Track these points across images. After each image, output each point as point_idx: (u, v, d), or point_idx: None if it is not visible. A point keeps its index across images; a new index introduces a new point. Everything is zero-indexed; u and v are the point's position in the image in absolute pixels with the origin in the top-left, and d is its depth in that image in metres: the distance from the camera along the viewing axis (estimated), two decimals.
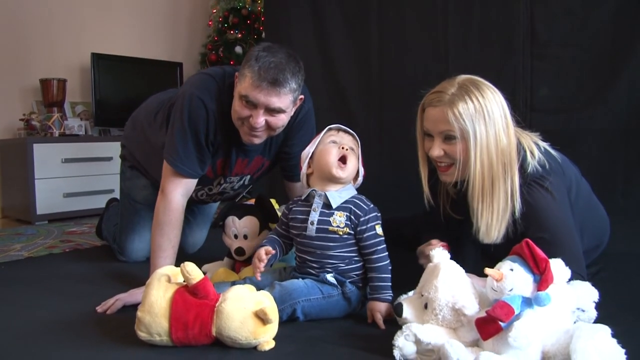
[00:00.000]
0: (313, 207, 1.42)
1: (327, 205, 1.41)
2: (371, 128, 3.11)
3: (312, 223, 1.41)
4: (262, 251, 1.42)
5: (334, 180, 1.42)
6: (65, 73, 3.69)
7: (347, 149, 1.42)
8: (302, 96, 1.64)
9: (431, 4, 2.85)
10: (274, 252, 1.44)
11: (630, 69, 2.32)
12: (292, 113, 1.63)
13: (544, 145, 1.52)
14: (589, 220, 1.60)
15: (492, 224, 1.40)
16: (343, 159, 1.41)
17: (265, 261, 1.42)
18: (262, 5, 3.92)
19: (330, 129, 1.50)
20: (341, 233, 1.39)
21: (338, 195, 1.41)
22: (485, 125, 1.36)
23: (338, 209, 1.40)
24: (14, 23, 3.56)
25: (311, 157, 1.48)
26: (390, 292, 1.36)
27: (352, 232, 1.40)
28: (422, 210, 1.80)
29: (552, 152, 1.52)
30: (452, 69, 2.76)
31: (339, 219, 1.39)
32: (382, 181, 2.99)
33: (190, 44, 4.51)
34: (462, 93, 1.37)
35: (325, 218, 1.40)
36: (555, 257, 1.16)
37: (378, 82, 3.11)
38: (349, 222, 1.39)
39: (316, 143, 1.48)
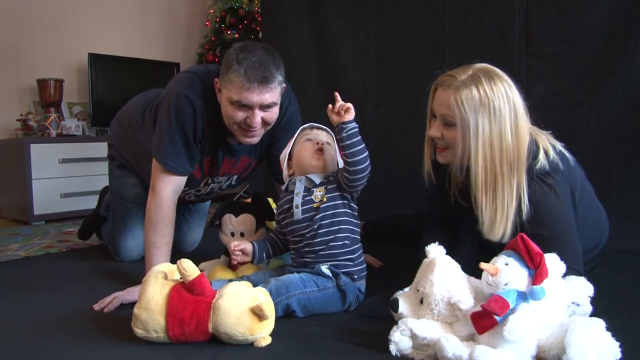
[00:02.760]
0: (295, 192, 1.47)
1: (307, 188, 1.46)
2: (368, 126, 3.12)
3: (296, 207, 1.45)
4: (232, 244, 1.50)
5: (313, 171, 1.48)
6: (63, 73, 3.69)
7: (322, 144, 1.47)
8: (284, 85, 1.65)
9: (429, 2, 2.86)
10: (247, 246, 1.51)
11: (624, 67, 2.33)
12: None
13: (559, 146, 1.50)
14: (589, 223, 1.59)
15: (495, 220, 1.37)
16: (319, 151, 1.47)
17: (238, 252, 1.49)
18: (259, 5, 3.92)
19: (304, 129, 1.54)
20: (321, 204, 1.42)
21: (320, 175, 1.48)
22: (489, 119, 1.33)
23: (318, 185, 1.46)
24: (10, 23, 3.56)
25: (290, 159, 1.53)
26: (355, 128, 1.38)
27: (332, 195, 1.43)
28: (422, 208, 1.81)
29: (566, 153, 1.51)
30: (449, 66, 2.75)
31: (319, 194, 1.44)
32: (378, 180, 2.99)
33: (187, 44, 4.52)
34: (471, 81, 1.35)
35: (307, 199, 1.45)
36: (552, 252, 1.17)
37: (375, 80, 3.11)
38: (325, 191, 1.44)
39: (292, 144, 1.53)
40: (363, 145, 1.39)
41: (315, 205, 1.43)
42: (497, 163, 1.35)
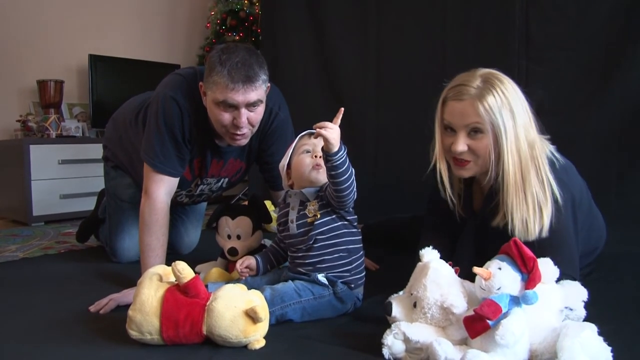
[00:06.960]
0: (291, 206, 1.45)
1: (302, 202, 1.44)
2: (368, 129, 3.12)
3: (292, 221, 1.43)
4: (237, 264, 1.53)
5: (314, 185, 1.44)
6: (63, 74, 3.70)
7: (320, 157, 1.40)
8: (268, 84, 1.65)
9: (429, 7, 2.86)
10: (251, 261, 1.53)
11: (623, 72, 2.32)
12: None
13: (550, 150, 1.48)
14: (586, 226, 1.59)
15: (529, 219, 1.36)
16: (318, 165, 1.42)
17: (246, 273, 1.51)
18: (260, 8, 3.93)
19: (302, 136, 1.51)
20: (315, 219, 1.39)
21: (314, 189, 1.44)
22: (512, 119, 1.36)
23: (311, 199, 1.43)
24: (11, 24, 3.57)
25: (289, 167, 1.50)
26: (339, 159, 1.28)
27: (325, 210, 1.40)
28: (420, 212, 1.80)
29: (556, 159, 1.46)
30: (449, 70, 2.76)
31: (313, 208, 1.41)
32: (378, 183, 3.00)
33: (188, 45, 4.52)
34: (488, 86, 1.36)
35: (302, 213, 1.43)
36: (549, 257, 1.17)
37: (375, 83, 3.11)
38: (318, 206, 1.41)
39: (290, 153, 1.49)
40: (349, 172, 1.32)
41: (309, 220, 1.40)
42: (524, 159, 1.37)
